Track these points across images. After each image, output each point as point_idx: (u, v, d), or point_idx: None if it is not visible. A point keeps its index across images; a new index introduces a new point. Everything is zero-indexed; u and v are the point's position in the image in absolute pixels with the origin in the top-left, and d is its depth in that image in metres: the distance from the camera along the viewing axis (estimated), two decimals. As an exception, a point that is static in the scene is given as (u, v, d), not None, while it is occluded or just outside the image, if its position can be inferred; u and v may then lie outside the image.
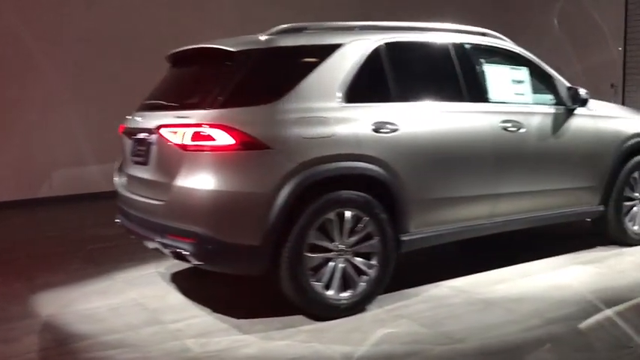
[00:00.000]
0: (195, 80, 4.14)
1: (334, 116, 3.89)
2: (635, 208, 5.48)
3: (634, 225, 5.48)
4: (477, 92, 4.57)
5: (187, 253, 3.69)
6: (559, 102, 5.01)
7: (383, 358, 3.38)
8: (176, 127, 3.72)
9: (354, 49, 4.13)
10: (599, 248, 5.43)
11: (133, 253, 5.35)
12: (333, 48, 4.08)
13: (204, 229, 3.62)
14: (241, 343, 3.59)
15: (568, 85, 5.03)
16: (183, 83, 4.24)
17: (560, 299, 4.18)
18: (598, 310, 3.94)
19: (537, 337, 3.59)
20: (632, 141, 5.34)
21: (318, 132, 3.80)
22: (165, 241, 3.81)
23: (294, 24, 4.19)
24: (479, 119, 4.50)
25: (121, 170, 4.59)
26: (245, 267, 3.83)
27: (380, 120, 4.04)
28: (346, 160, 3.89)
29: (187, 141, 3.64)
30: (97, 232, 6.53)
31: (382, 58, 4.22)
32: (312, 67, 3.98)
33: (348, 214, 3.91)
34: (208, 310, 4.13)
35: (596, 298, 4.14)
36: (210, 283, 4.66)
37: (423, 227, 4.29)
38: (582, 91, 4.93)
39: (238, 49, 3.89)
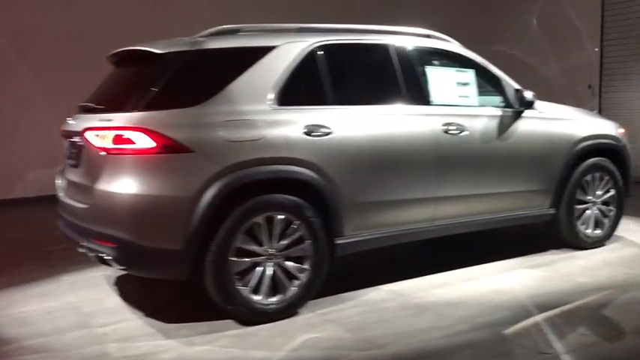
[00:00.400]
0: (126, 82, 4.12)
1: (264, 119, 3.87)
2: (587, 212, 5.43)
3: (587, 228, 5.43)
4: (417, 95, 4.53)
5: (110, 257, 3.67)
6: (507, 104, 4.97)
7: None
8: (99, 130, 3.71)
9: (288, 52, 4.10)
10: (551, 252, 5.39)
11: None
12: (265, 50, 4.05)
13: (125, 234, 3.60)
14: (161, 348, 3.57)
15: (516, 87, 4.98)
16: (115, 85, 4.22)
17: (495, 304, 4.15)
18: (529, 316, 3.90)
19: (460, 342, 3.55)
20: (584, 144, 5.29)
21: (245, 135, 3.78)
22: (90, 245, 3.79)
23: (228, 26, 4.18)
24: (419, 122, 4.46)
25: (61, 174, 4.58)
26: (168, 272, 3.81)
27: (312, 123, 4.01)
28: (275, 164, 3.86)
29: (109, 144, 3.63)
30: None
31: (317, 61, 4.19)
32: (243, 69, 3.95)
33: (277, 217, 3.88)
34: (140, 314, 4.11)
35: (533, 303, 4.10)
36: (152, 286, 4.63)
37: (360, 231, 4.26)
38: (528, 94, 4.88)
39: (166, 52, 3.86)
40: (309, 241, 4.00)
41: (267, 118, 3.88)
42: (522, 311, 3.98)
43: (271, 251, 3.89)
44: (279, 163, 3.87)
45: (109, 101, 4.00)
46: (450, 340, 3.58)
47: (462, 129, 4.63)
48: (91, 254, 3.82)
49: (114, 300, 4.44)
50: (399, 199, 4.39)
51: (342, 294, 4.37)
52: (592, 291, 4.35)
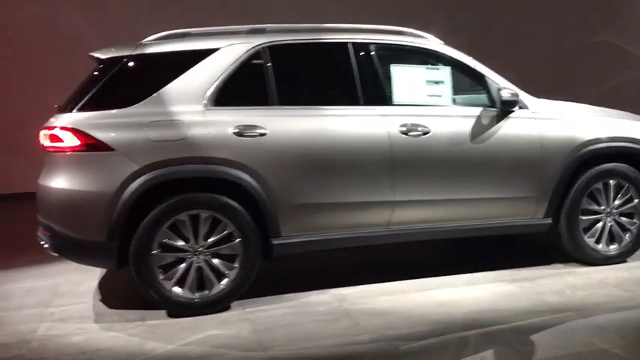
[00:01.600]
0: (79, 85, 4.46)
1: (192, 120, 4.01)
2: (599, 224, 4.85)
3: (598, 242, 4.85)
4: (373, 95, 4.38)
5: (47, 245, 4.05)
6: (491, 104, 4.60)
7: (175, 358, 3.47)
8: (44, 129, 4.09)
9: (228, 54, 4.19)
10: (553, 266, 4.89)
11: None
12: (206, 53, 4.18)
13: (57, 225, 3.96)
14: (80, 331, 3.88)
15: (500, 85, 4.58)
16: (76, 88, 4.58)
17: (425, 317, 3.92)
18: (447, 332, 3.65)
19: (348, 353, 3.47)
20: (589, 148, 4.72)
21: (169, 135, 3.95)
22: (38, 233, 4.21)
23: (176, 30, 4.37)
24: (369, 123, 4.31)
25: None
26: (97, 261, 4.12)
27: (245, 124, 4.07)
28: (199, 163, 3.99)
29: (47, 142, 4.00)
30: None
31: (260, 62, 4.23)
32: (181, 72, 4.11)
33: (203, 215, 4.01)
34: (97, 298, 4.47)
35: (467, 320, 3.84)
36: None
37: (299, 232, 4.24)
38: (505, 93, 4.45)
39: (106, 56, 4.15)
40: (239, 240, 4.07)
41: (196, 119, 4.01)
42: (445, 327, 3.73)
43: (198, 248, 4.03)
44: (203, 162, 3.99)
45: (66, 103, 4.38)
46: (340, 349, 3.50)
47: (424, 130, 4.39)
48: (40, 242, 4.23)
49: (90, 284, 4.83)
50: (344, 202, 4.29)
51: (288, 294, 4.38)
52: (548, 312, 3.94)
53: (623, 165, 4.85)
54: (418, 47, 4.62)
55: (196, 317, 4.01)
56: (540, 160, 4.63)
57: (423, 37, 4.73)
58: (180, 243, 4.01)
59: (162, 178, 3.92)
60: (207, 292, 4.06)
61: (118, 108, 3.99)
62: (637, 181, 4.87)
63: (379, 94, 4.40)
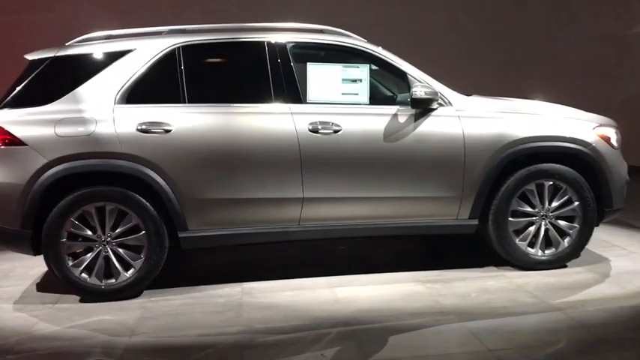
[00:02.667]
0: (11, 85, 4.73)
1: (100, 117, 4.24)
2: (531, 227, 4.65)
3: (532, 246, 4.66)
4: (285, 93, 4.43)
5: (-24, 232, 4.44)
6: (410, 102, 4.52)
7: (53, 339, 3.72)
8: None
9: (142, 54, 4.39)
10: (486, 269, 4.73)
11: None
12: (121, 54, 4.40)
13: None
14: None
15: (422, 83, 4.49)
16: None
17: (310, 313, 3.97)
18: (318, 328, 3.68)
19: (205, 342, 3.60)
20: (517, 147, 4.54)
21: (76, 131, 4.21)
22: None
23: (99, 32, 4.63)
24: (277, 120, 4.37)
25: None
26: (15, 247, 4.44)
27: (151, 121, 4.26)
28: (103, 158, 4.22)
29: (-22, 137, 4.37)
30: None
31: (171, 61, 4.39)
32: (97, 71, 4.37)
33: (108, 207, 4.25)
34: (38, 280, 4.81)
35: (347, 317, 3.85)
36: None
37: (207, 226, 4.38)
38: (415, 90, 4.36)
39: (32, 58, 4.46)
40: (144, 232, 4.28)
41: (105, 116, 4.25)
42: (319, 323, 3.78)
43: (105, 238, 4.27)
44: (107, 157, 4.22)
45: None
46: (201, 339, 3.65)
47: (335, 128, 4.40)
48: None
49: (41, 269, 5.13)
50: (252, 198, 4.38)
51: (202, 286, 4.53)
52: (433, 314, 3.87)
53: (560, 166, 4.63)
54: (337, 45, 4.62)
55: (101, 303, 4.25)
56: (462, 160, 4.51)
57: (344, 34, 4.72)
58: (89, 233, 4.27)
59: (67, 171, 4.18)
60: (113, 280, 4.30)
61: (37, 106, 4.30)
62: (576, 182, 4.63)
63: (291, 92, 4.45)
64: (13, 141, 4.19)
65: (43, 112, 4.27)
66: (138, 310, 4.12)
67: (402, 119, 4.48)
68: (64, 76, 4.42)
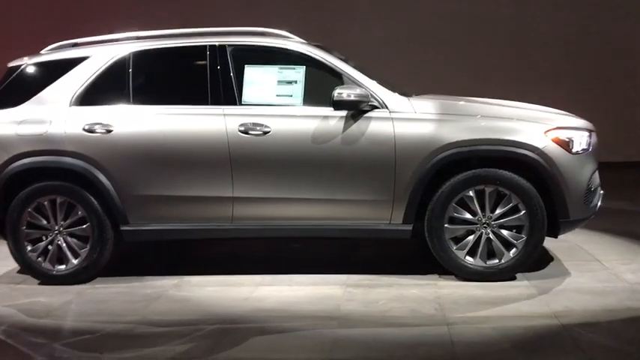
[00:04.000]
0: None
1: (54, 118, 4.68)
2: (470, 236, 4.40)
3: (471, 255, 4.41)
4: (221, 95, 4.57)
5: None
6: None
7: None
8: None
9: (95, 61, 4.77)
10: (428, 276, 4.56)
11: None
12: (79, 60, 4.82)
13: None
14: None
15: (352, 85, 4.42)
16: None
17: (206, 308, 4.12)
18: (186, 325, 3.80)
19: (74, 328, 3.93)
20: (451, 151, 4.32)
21: (33, 131, 4.68)
22: None
23: (68, 41, 5.06)
24: (211, 122, 4.53)
25: None
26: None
27: (95, 122, 4.63)
28: (51, 155, 4.66)
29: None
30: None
31: (122, 67, 4.73)
32: (58, 76, 4.82)
33: (58, 200, 4.69)
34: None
35: (230, 315, 3.96)
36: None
37: (145, 221, 4.67)
38: (336, 92, 4.29)
39: (10, 65, 5.01)
40: (88, 224, 4.67)
41: (58, 117, 4.68)
42: (204, 319, 3.90)
43: (56, 228, 4.72)
44: (55, 154, 4.65)
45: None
46: (90, 326, 3.91)
47: (265, 130, 4.48)
48: None
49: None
50: (185, 196, 4.59)
51: (148, 276, 4.82)
52: (321, 318, 3.86)
53: (501, 171, 4.34)
54: (274, 47, 4.68)
55: (53, 287, 4.68)
56: (393, 163, 4.38)
57: (284, 36, 4.76)
58: (44, 222, 4.73)
59: (24, 166, 4.65)
60: (64, 266, 4.73)
61: (5, 108, 4.83)
62: (521, 189, 4.31)
63: (227, 94, 4.59)
64: (-13, 139, 4.76)
65: (9, 114, 4.78)
66: (73, 295, 4.50)
67: (332, 121, 4.45)
68: (33, 81, 4.92)
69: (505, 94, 5.52)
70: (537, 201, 4.30)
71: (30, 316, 4.10)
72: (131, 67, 4.71)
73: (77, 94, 4.71)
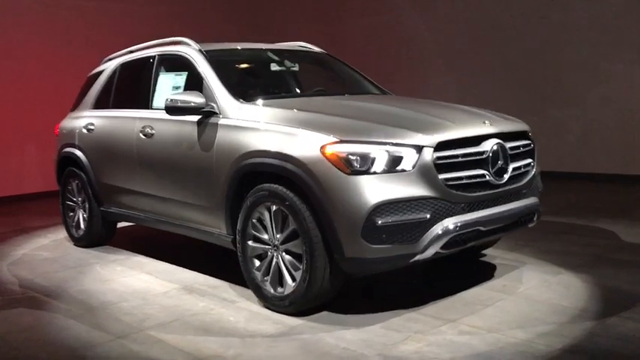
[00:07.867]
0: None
1: (77, 119, 6.10)
2: (274, 262, 3.92)
3: (273, 283, 3.93)
4: (141, 99, 5.20)
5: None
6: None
7: None
8: None
9: (104, 73, 5.98)
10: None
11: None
12: (101, 72, 6.09)
13: None
14: None
15: (209, 91, 4.44)
16: None
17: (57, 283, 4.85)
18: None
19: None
20: (245, 162, 3.98)
21: (68, 127, 6.19)
22: None
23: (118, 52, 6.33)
24: (129, 124, 5.20)
25: None
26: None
27: (88, 122, 5.87)
28: (69, 147, 6.07)
29: None
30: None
31: (112, 78, 5.83)
32: (93, 85, 6.19)
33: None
34: None
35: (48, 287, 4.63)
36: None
37: (110, 205, 5.67)
38: (168, 99, 4.39)
39: (88, 74, 6.58)
40: (80, 198, 5.99)
41: (78, 119, 6.07)
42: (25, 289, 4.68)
43: (64, 200, 6.20)
44: (71, 147, 6.04)
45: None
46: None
47: (152, 132, 4.92)
48: None
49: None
50: (124, 188, 5.36)
51: (119, 249, 5.82)
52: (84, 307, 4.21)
53: (276, 187, 3.81)
54: (178, 55, 4.98)
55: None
56: (210, 170, 4.29)
57: (185, 43, 4.95)
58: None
59: (64, 154, 6.20)
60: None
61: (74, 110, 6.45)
62: (295, 211, 3.68)
63: (145, 99, 5.18)
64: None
65: (72, 114, 6.38)
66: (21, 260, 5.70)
67: (186, 126, 4.54)
68: (87, 88, 6.40)
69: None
70: (313, 227, 3.60)
71: None
72: (117, 76, 5.80)
73: (94, 99, 6.01)
